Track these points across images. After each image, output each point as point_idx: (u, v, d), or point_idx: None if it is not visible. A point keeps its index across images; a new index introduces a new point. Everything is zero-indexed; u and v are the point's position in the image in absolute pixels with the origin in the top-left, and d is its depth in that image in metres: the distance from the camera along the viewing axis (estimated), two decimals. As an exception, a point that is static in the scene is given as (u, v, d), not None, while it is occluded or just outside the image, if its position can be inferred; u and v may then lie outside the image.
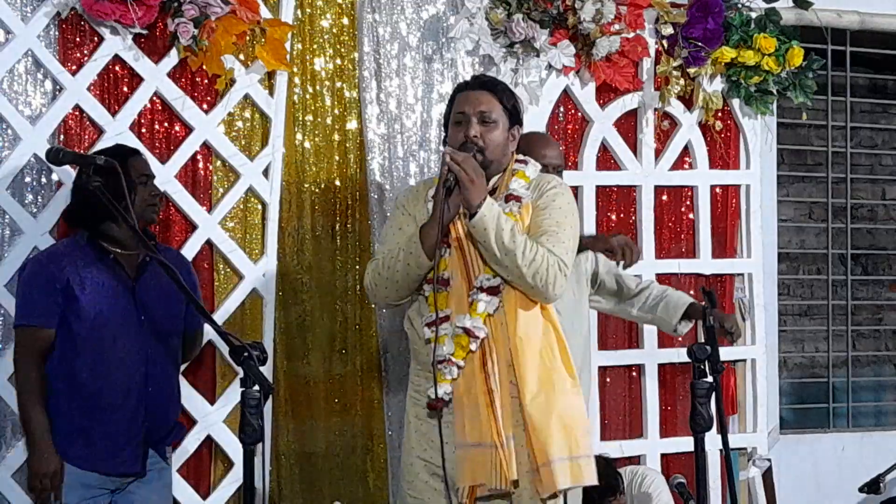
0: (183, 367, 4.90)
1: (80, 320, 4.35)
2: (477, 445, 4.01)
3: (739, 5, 5.77)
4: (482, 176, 4.03)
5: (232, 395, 4.99)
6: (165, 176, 4.93)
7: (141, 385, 4.40)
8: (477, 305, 4.05)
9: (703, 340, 4.45)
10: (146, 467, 4.45)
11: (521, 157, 4.26)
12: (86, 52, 4.89)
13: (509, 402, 4.03)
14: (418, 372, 4.20)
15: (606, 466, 4.95)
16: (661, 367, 5.73)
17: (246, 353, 3.60)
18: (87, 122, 4.90)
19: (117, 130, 4.89)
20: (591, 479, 4.11)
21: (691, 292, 5.64)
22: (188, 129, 5.04)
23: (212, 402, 5.02)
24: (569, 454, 4.04)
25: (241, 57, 5.06)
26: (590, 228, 5.55)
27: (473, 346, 4.04)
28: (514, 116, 4.21)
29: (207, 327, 4.64)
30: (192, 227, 5.03)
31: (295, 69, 5.22)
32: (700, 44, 5.62)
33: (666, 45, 5.65)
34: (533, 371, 4.05)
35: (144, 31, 4.89)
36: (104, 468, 4.37)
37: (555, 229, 4.09)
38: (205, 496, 5.02)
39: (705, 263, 5.82)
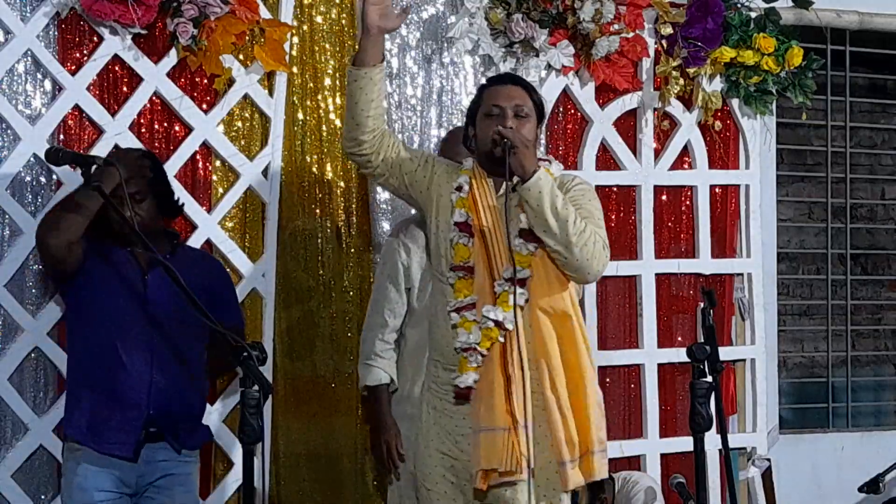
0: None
1: (88, 312, 4.37)
2: (490, 429, 4.03)
3: (739, 5, 5.76)
4: (532, 146, 4.07)
5: (231, 395, 5.00)
6: (165, 176, 4.94)
7: (147, 375, 4.34)
8: (507, 297, 4.04)
9: (702, 340, 4.45)
10: (140, 455, 4.37)
11: (543, 155, 4.33)
12: (85, 52, 4.89)
13: (529, 392, 4.04)
14: (436, 363, 4.21)
15: None
16: (661, 366, 5.72)
17: (245, 353, 3.60)
18: (87, 122, 4.90)
19: (117, 130, 4.89)
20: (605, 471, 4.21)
21: (691, 292, 5.66)
22: (188, 129, 5.04)
23: (211, 402, 5.01)
24: (600, 447, 4.14)
25: (241, 57, 5.06)
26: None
27: (501, 339, 4.06)
28: (541, 114, 4.25)
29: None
30: (192, 226, 5.02)
31: (294, 69, 5.22)
32: (699, 44, 5.62)
33: (665, 45, 5.65)
34: (559, 363, 4.09)
35: (144, 31, 4.89)
36: (109, 450, 4.32)
37: (597, 215, 4.17)
38: (204, 496, 5.01)
39: (705, 263, 5.82)
